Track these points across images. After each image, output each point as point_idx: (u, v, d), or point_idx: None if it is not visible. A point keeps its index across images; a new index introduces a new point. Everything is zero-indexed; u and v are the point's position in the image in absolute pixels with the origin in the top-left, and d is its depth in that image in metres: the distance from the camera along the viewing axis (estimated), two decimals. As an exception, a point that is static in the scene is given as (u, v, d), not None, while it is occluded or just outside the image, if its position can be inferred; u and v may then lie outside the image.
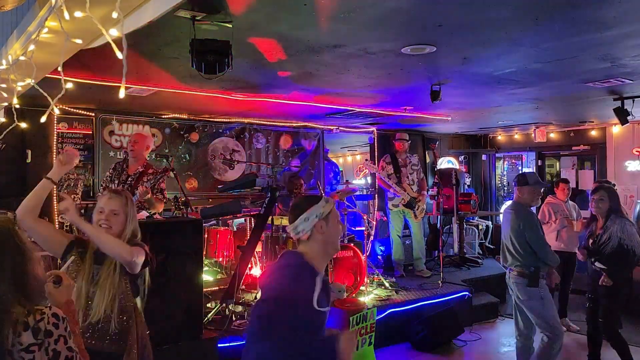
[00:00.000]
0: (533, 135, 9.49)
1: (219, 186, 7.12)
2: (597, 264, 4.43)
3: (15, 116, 3.13)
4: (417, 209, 6.80)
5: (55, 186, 2.59)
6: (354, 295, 5.61)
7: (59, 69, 2.05)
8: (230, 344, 4.36)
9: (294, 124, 8.13)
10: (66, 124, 6.33)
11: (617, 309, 4.45)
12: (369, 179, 10.71)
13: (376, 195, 8.95)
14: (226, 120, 7.51)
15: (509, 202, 10.22)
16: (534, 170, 10.23)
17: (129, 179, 4.66)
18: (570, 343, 5.49)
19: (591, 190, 4.59)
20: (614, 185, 5.72)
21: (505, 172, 10.91)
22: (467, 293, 6.23)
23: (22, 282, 1.68)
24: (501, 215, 9.98)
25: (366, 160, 6.85)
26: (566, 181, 6.19)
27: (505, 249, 4.18)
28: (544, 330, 4.03)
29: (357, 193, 8.78)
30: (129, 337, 2.47)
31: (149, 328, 3.81)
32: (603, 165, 8.93)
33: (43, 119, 2.53)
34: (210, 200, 7.19)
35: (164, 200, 4.68)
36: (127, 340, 2.46)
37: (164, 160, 5.89)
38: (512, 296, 4.27)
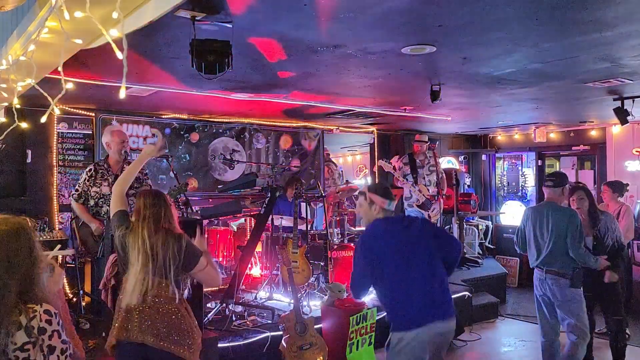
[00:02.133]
0: (533, 135, 9.50)
1: (219, 186, 7.12)
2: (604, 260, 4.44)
3: (15, 116, 3.12)
4: (432, 211, 6.78)
5: None
6: (354, 295, 5.60)
7: (59, 69, 2.05)
8: (230, 344, 4.36)
9: (294, 124, 8.13)
10: (66, 124, 6.33)
11: (621, 299, 4.53)
12: (368, 179, 10.70)
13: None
14: (226, 120, 7.51)
15: (512, 203, 10.22)
16: (535, 170, 10.25)
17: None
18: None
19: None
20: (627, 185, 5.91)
21: (505, 172, 10.91)
22: (467, 293, 6.23)
23: (27, 286, 1.69)
24: (501, 216, 10.03)
25: (382, 159, 6.85)
26: None
27: (543, 248, 4.15)
28: (574, 331, 4.04)
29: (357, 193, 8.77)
30: None
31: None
32: (603, 165, 8.93)
33: (43, 119, 2.52)
34: (211, 200, 7.19)
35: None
36: None
37: (164, 160, 5.87)
38: (538, 296, 4.26)
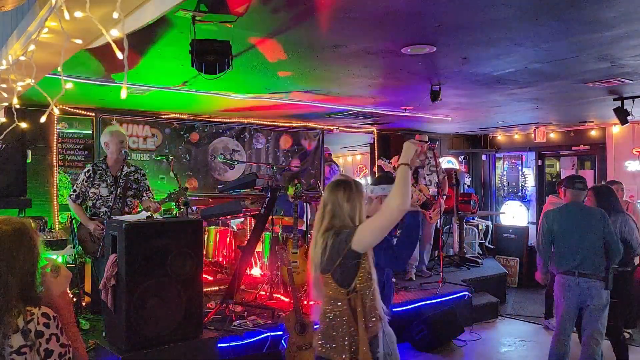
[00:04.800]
0: (533, 135, 9.50)
1: (219, 186, 7.12)
2: None
3: (15, 116, 3.12)
4: (433, 211, 6.77)
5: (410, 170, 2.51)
6: (354, 295, 5.59)
7: (59, 69, 2.05)
8: (230, 344, 4.35)
9: (294, 124, 8.14)
10: (66, 124, 6.33)
11: (627, 307, 4.51)
12: (368, 179, 10.71)
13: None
14: (226, 120, 7.51)
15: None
16: (535, 171, 10.25)
17: (120, 180, 4.60)
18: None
19: None
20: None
21: (505, 172, 10.91)
22: (467, 293, 6.23)
23: (28, 287, 1.68)
24: (501, 216, 10.02)
25: (381, 158, 6.85)
26: None
27: (575, 251, 4.05)
28: (595, 337, 3.99)
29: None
30: None
31: (150, 328, 3.80)
32: (603, 165, 8.93)
33: (43, 119, 2.52)
34: (210, 200, 7.19)
35: (153, 199, 4.68)
36: None
37: (164, 160, 5.87)
38: (566, 303, 4.09)
